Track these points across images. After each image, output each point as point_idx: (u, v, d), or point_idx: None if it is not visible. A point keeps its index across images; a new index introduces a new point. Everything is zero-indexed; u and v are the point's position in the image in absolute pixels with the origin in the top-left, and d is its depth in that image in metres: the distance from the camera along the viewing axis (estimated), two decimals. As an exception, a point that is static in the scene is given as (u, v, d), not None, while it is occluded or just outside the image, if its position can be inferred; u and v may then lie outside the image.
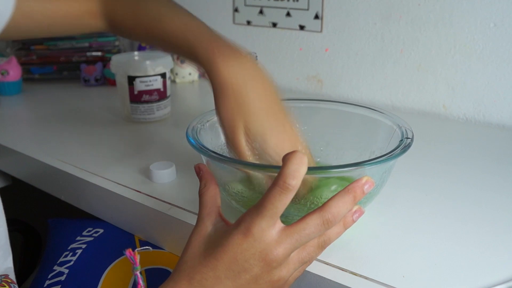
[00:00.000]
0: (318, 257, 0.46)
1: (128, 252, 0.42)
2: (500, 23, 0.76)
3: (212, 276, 0.39)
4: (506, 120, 0.80)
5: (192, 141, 0.50)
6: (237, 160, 0.50)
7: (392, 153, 0.46)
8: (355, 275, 0.44)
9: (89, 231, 0.67)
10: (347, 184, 0.41)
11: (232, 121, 0.50)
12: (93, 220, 0.68)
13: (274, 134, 0.50)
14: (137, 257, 0.42)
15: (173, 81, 1.11)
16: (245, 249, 0.39)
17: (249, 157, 0.50)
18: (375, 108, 0.58)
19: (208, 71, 0.52)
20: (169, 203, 0.57)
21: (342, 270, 0.45)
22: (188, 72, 1.10)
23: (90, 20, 0.63)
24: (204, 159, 0.51)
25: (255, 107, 0.50)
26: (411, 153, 0.60)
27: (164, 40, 0.57)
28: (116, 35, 1.04)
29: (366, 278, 0.43)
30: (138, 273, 0.43)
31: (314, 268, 0.45)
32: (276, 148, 0.50)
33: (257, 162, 0.50)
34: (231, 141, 0.51)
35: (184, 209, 0.56)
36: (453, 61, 0.82)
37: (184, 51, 0.55)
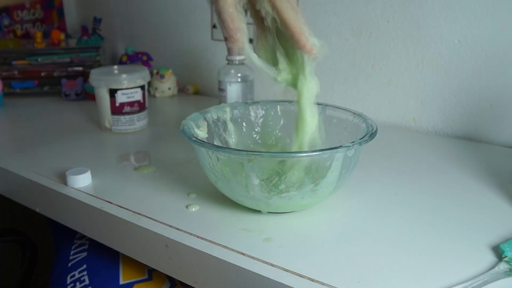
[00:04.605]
0: (275, 263, 0.47)
1: None
2: (464, 39, 0.79)
3: None
4: (472, 133, 0.82)
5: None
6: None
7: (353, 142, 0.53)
8: (313, 281, 0.45)
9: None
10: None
11: None
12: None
13: None
14: None
15: (153, 96, 1.13)
16: None
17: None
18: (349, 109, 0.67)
19: None
20: (138, 213, 0.58)
21: (300, 276, 0.46)
22: (168, 87, 1.12)
23: None
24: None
25: None
26: (381, 165, 0.63)
27: None
28: None
29: (322, 283, 0.45)
30: None
31: (272, 273, 0.46)
32: None
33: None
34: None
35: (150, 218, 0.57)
36: (421, 76, 0.84)
37: None
